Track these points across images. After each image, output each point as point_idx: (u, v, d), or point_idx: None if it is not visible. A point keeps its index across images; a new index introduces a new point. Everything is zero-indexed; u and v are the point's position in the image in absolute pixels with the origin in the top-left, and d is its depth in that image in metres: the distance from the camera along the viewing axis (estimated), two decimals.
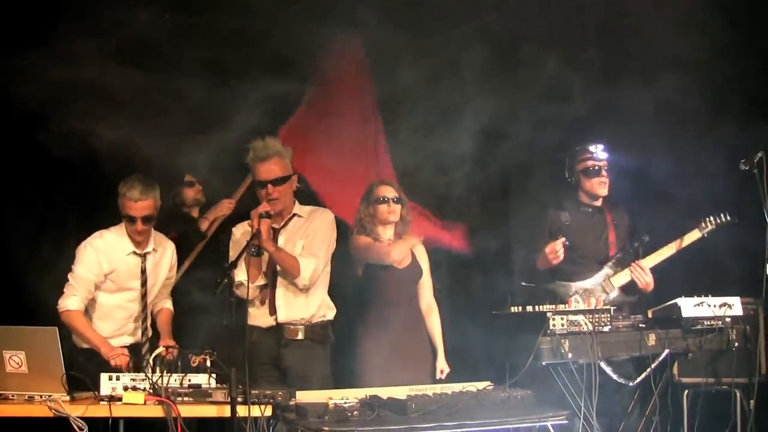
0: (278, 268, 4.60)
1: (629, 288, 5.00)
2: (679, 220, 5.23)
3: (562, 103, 5.40)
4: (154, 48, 5.13)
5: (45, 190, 5.54)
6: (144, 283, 4.71)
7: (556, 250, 4.80)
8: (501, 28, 5.61)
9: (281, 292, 4.62)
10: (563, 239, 4.82)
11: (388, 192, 5.05)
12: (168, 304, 4.91)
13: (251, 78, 5.26)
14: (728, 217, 4.98)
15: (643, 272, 4.93)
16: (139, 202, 4.55)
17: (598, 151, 5.06)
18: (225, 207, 5.74)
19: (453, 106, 5.61)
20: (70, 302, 4.53)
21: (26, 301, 5.05)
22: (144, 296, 4.72)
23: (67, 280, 4.60)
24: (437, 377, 4.99)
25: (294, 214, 4.73)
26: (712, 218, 4.99)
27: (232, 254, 4.61)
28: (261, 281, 4.59)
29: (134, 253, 4.68)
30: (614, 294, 4.96)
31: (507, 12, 5.54)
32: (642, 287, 4.95)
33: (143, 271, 4.70)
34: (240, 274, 4.40)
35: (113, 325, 4.67)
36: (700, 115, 5.56)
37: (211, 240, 5.66)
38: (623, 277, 4.97)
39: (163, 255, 4.81)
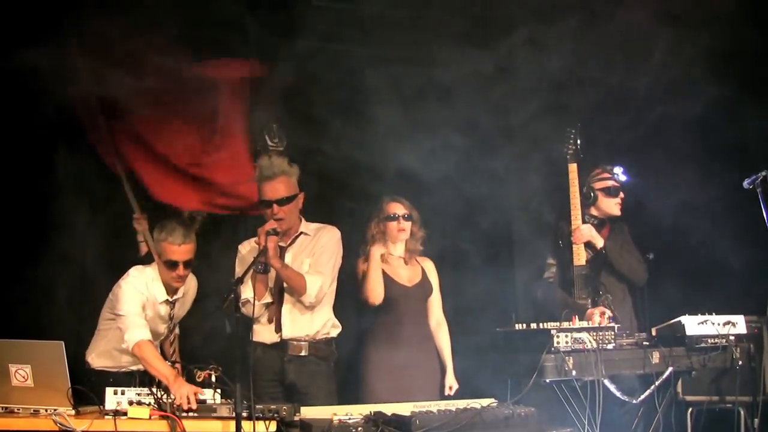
0: (285, 285, 4.61)
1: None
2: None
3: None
4: None
5: (49, 198, 5.54)
6: (171, 329, 4.70)
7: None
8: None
9: (287, 309, 4.64)
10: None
11: (399, 209, 5.07)
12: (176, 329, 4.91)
13: None
14: None
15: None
16: (183, 246, 4.45)
17: (619, 173, 5.18)
18: None
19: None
20: (138, 333, 4.30)
21: (32, 315, 5.06)
22: (167, 337, 4.71)
23: (115, 319, 4.47)
24: (446, 393, 5.00)
25: (300, 233, 4.75)
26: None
27: (238, 271, 4.64)
28: (267, 299, 4.60)
29: (166, 301, 4.60)
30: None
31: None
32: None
33: (171, 318, 4.66)
34: (246, 292, 4.41)
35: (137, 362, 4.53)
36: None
37: None
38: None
39: (188, 294, 4.77)
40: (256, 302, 4.46)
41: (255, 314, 4.47)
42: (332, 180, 5.83)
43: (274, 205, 4.59)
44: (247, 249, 4.73)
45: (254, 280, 4.45)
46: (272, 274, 4.57)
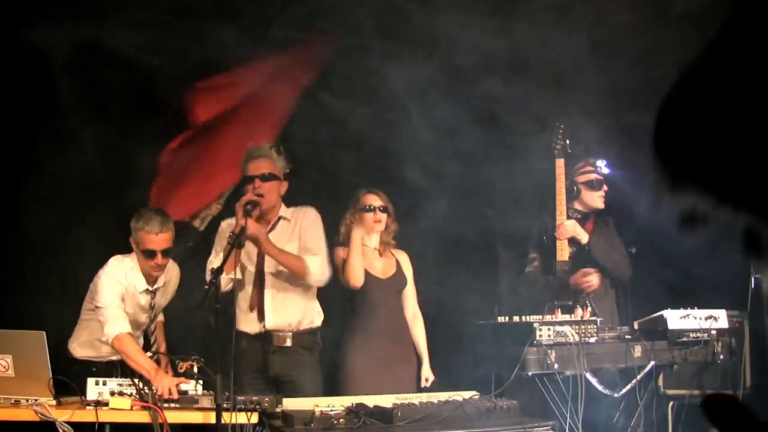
0: (266, 270, 4.58)
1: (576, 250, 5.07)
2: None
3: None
4: None
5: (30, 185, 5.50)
6: (152, 319, 4.64)
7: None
8: None
9: (270, 298, 4.61)
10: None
11: (375, 201, 5.05)
12: (160, 316, 4.87)
13: None
14: None
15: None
16: (160, 235, 4.36)
17: (602, 166, 5.16)
18: (213, 208, 5.75)
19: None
20: (118, 325, 4.23)
21: (14, 304, 5.03)
22: (148, 327, 4.66)
23: (95, 310, 4.39)
24: (422, 385, 5.01)
25: (280, 217, 4.71)
26: None
27: (218, 248, 4.59)
28: (238, 275, 4.50)
29: (146, 291, 4.53)
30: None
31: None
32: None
33: (152, 307, 4.60)
34: (216, 263, 4.31)
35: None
36: None
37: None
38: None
39: (170, 283, 4.70)
40: (224, 276, 4.23)
41: (223, 287, 4.27)
42: (318, 170, 5.82)
43: (256, 180, 4.55)
44: (228, 225, 4.58)
45: (231, 255, 4.26)
46: (252, 257, 4.55)
